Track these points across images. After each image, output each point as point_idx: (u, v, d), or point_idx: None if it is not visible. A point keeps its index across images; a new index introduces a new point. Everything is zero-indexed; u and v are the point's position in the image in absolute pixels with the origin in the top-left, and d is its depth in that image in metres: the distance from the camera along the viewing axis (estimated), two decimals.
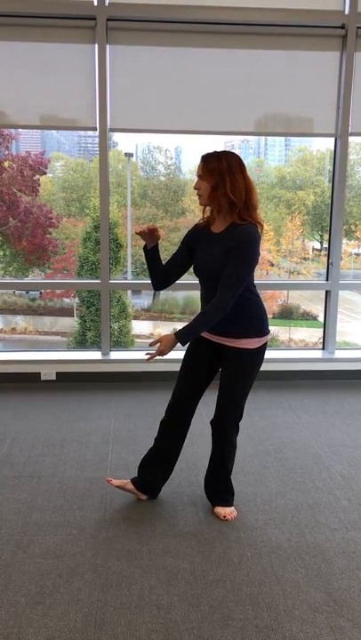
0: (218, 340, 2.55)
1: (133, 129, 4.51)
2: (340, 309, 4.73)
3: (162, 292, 9.24)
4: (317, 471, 3.14)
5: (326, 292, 4.70)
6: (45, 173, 9.24)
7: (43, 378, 4.44)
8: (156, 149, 9.58)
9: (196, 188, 2.47)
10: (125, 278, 8.59)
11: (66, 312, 9.71)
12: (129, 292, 8.89)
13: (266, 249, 9.71)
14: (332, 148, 4.53)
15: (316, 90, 4.31)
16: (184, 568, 2.31)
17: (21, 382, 4.40)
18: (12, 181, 8.92)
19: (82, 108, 4.20)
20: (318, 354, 4.75)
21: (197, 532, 2.56)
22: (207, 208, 2.53)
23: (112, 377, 4.47)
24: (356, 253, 10.30)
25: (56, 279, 9.07)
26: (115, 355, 4.57)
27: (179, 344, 2.40)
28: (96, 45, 4.07)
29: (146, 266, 2.68)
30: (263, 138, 9.80)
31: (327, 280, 4.64)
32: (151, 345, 2.43)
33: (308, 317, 9.91)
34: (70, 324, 9.24)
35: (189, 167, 9.23)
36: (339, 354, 4.70)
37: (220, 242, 2.42)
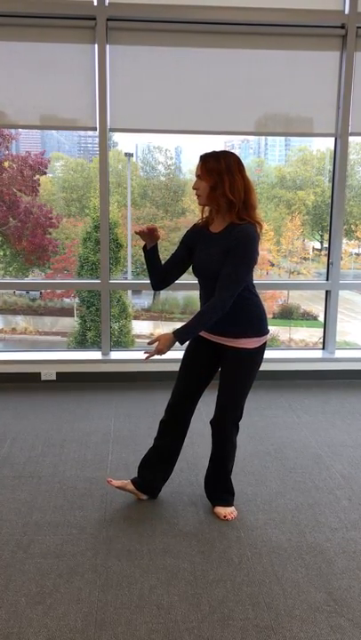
0: (217, 339, 2.55)
1: (133, 129, 4.51)
2: (340, 309, 4.73)
3: (162, 291, 9.24)
4: (318, 471, 3.14)
5: (326, 291, 4.70)
6: (45, 173, 9.24)
7: (43, 378, 4.44)
8: (156, 149, 9.58)
9: (194, 188, 2.46)
10: (125, 278, 8.59)
11: (66, 312, 9.71)
12: (129, 291, 8.89)
13: (266, 249, 9.71)
14: (333, 148, 4.53)
15: (316, 90, 4.31)
16: (184, 568, 2.31)
17: (22, 382, 4.40)
18: (12, 181, 8.93)
19: (82, 108, 4.20)
20: (318, 354, 4.75)
21: (198, 531, 2.56)
22: (206, 208, 2.53)
23: (112, 377, 4.47)
24: (356, 253, 10.30)
25: (56, 279, 9.07)
26: (115, 355, 4.57)
27: (177, 343, 2.40)
28: (96, 45, 4.07)
29: (145, 266, 2.68)
30: (263, 138, 9.80)
31: (327, 280, 4.64)
32: (150, 344, 2.43)
33: (308, 317, 9.91)
34: (70, 324, 9.24)
35: (189, 167, 9.22)
36: (339, 354, 4.70)
37: (219, 242, 2.42)
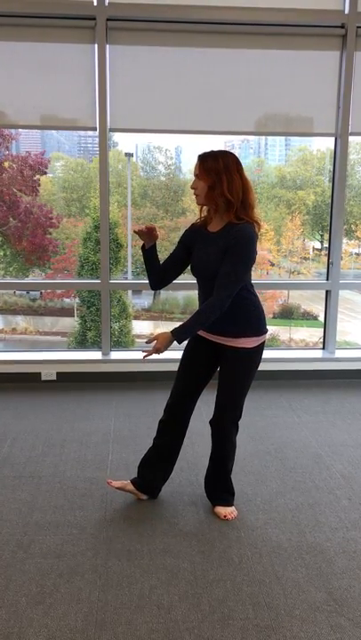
0: (216, 339, 2.55)
1: (133, 129, 4.51)
2: (340, 309, 4.73)
3: (162, 291, 9.25)
4: (318, 471, 3.14)
5: (327, 291, 4.70)
6: (45, 173, 9.24)
7: (43, 378, 4.45)
8: (157, 149, 9.58)
9: (193, 188, 2.46)
10: (126, 278, 8.59)
11: (66, 312, 9.71)
12: (129, 291, 8.89)
13: (266, 249, 9.71)
14: (333, 148, 4.53)
15: (316, 89, 4.31)
16: (184, 568, 2.31)
17: (22, 382, 4.40)
18: (12, 181, 8.93)
19: (82, 108, 4.20)
20: (319, 353, 4.75)
21: (198, 531, 2.56)
22: (204, 207, 2.53)
23: (112, 377, 4.47)
24: (356, 253, 10.30)
25: (56, 279, 9.07)
26: (115, 355, 4.57)
27: (176, 343, 2.41)
28: (96, 45, 4.07)
29: (144, 266, 2.69)
30: (263, 137, 9.80)
31: (327, 280, 4.64)
32: (148, 342, 2.43)
33: (308, 317, 9.91)
34: (71, 324, 9.24)
35: (189, 167, 9.21)
36: (339, 353, 4.70)
37: (217, 241, 2.42)
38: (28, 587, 2.19)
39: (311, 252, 10.34)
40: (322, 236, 10.11)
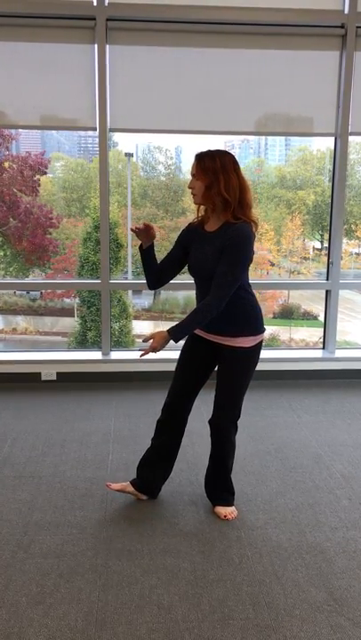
0: (213, 338, 2.55)
1: (133, 129, 4.51)
2: (340, 309, 4.73)
3: (162, 291, 9.25)
4: (318, 470, 3.14)
5: (327, 291, 4.70)
6: (46, 173, 9.24)
7: (43, 378, 4.45)
8: (157, 149, 9.58)
9: (190, 187, 2.46)
10: (126, 278, 8.59)
11: (66, 312, 9.71)
12: (129, 291, 8.89)
13: (266, 249, 9.72)
14: (333, 148, 4.53)
15: (316, 89, 4.31)
16: (185, 567, 2.31)
17: (22, 382, 4.40)
18: (12, 182, 8.93)
19: (82, 108, 4.20)
20: (319, 353, 4.75)
21: (198, 531, 2.56)
22: (201, 207, 2.53)
23: (112, 377, 4.47)
24: (356, 253, 10.30)
25: (56, 279, 9.07)
26: (115, 355, 4.57)
27: (174, 342, 2.41)
28: (96, 45, 4.07)
29: (142, 265, 2.69)
30: (263, 137, 9.79)
31: (327, 279, 4.64)
32: (144, 341, 2.43)
33: (308, 317, 9.91)
34: (71, 324, 9.24)
35: (189, 167, 9.20)
36: (339, 353, 4.70)
37: (214, 240, 2.42)
38: (28, 587, 2.19)
39: (311, 252, 10.34)
40: (322, 235, 10.11)
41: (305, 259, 10.30)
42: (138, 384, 4.43)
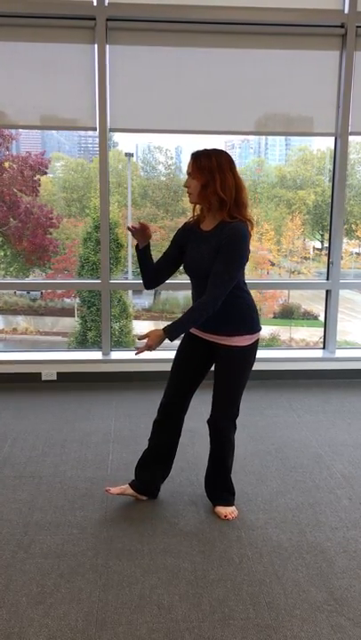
0: (209, 337, 2.55)
1: (133, 129, 4.52)
2: (340, 309, 4.73)
3: (162, 291, 9.25)
4: (318, 470, 3.14)
5: (327, 291, 4.70)
6: (46, 173, 9.24)
7: (44, 378, 4.45)
8: (157, 149, 9.58)
9: (186, 186, 2.47)
10: (126, 278, 8.59)
11: (67, 312, 9.71)
12: (130, 291, 8.89)
13: (267, 248, 9.71)
14: (333, 148, 4.52)
15: (316, 89, 4.31)
16: (185, 567, 2.31)
17: (22, 382, 4.40)
18: (12, 182, 8.93)
19: (82, 108, 4.20)
20: (319, 353, 4.75)
21: (198, 531, 2.56)
22: (197, 206, 2.53)
23: (113, 377, 4.47)
24: (356, 252, 10.30)
25: (57, 279, 9.07)
26: (115, 355, 4.57)
27: (170, 341, 2.41)
28: (96, 45, 4.07)
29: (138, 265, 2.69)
30: (263, 137, 9.78)
31: (328, 279, 4.64)
32: (140, 339, 2.43)
33: (308, 317, 9.90)
34: (71, 324, 9.24)
35: None
36: (339, 353, 4.70)
37: (210, 240, 2.42)
38: (28, 587, 2.19)
39: (311, 252, 10.34)
40: (322, 235, 10.10)
41: (305, 258, 10.30)
42: (138, 384, 4.43)
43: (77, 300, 9.04)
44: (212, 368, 2.65)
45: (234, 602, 2.12)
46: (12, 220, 8.91)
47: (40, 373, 4.44)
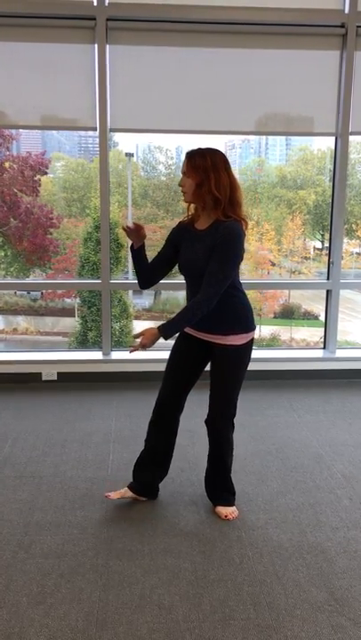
0: (204, 336, 2.55)
1: (134, 129, 4.51)
2: (341, 308, 4.73)
3: (163, 291, 9.25)
4: (319, 470, 3.14)
5: (327, 291, 4.70)
6: (46, 174, 9.24)
7: (44, 378, 4.45)
8: (157, 149, 9.58)
9: (180, 185, 2.47)
10: (126, 278, 8.57)
11: (67, 312, 9.71)
12: (130, 291, 8.89)
13: (267, 248, 9.71)
14: (333, 147, 4.52)
15: (317, 89, 4.31)
16: (185, 568, 2.31)
17: (23, 382, 4.40)
18: (12, 182, 8.93)
19: (82, 108, 4.20)
20: (319, 353, 4.75)
21: (198, 531, 2.56)
22: (192, 205, 2.53)
23: (113, 377, 4.47)
24: (357, 252, 10.30)
25: (57, 279, 9.07)
26: (116, 355, 4.57)
27: (165, 340, 2.41)
28: (96, 45, 4.07)
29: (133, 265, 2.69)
30: (264, 137, 9.79)
31: (328, 279, 4.64)
32: (135, 337, 2.43)
33: (309, 317, 9.91)
34: (71, 324, 9.25)
35: None
36: (340, 353, 4.70)
37: (205, 239, 2.42)
38: (28, 587, 2.19)
39: (312, 252, 10.34)
40: (322, 235, 10.11)
41: (306, 258, 10.30)
42: (139, 384, 4.43)
43: (78, 300, 9.05)
44: (208, 368, 2.65)
45: (234, 602, 2.12)
46: (12, 220, 8.92)
47: (40, 373, 4.44)
